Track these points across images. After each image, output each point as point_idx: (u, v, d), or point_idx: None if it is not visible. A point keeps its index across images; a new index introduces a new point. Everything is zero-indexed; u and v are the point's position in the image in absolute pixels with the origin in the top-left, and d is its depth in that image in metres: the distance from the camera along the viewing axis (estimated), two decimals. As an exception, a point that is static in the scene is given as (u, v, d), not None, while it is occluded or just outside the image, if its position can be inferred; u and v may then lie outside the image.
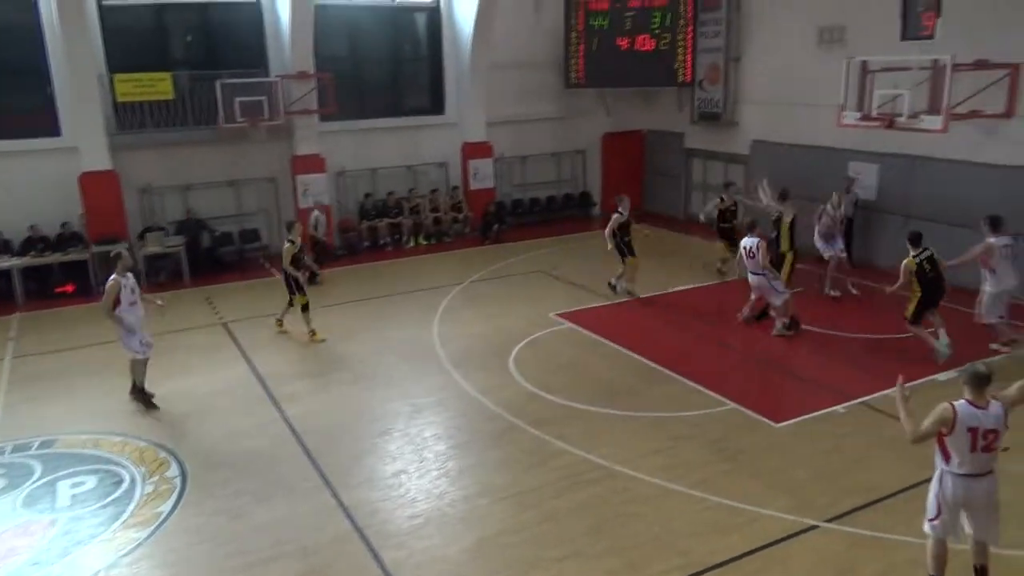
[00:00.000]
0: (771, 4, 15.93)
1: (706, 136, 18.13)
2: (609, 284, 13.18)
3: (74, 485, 7.59)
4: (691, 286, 13.56)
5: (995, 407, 5.16)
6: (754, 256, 10.81)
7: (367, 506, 7.07)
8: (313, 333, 11.38)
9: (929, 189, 13.15)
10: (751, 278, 11.03)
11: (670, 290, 13.38)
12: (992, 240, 9.62)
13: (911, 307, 9.66)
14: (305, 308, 11.37)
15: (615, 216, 12.75)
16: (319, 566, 6.29)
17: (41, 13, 13.99)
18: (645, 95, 19.41)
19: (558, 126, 19.38)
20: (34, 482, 7.67)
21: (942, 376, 9.20)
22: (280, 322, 11.82)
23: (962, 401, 5.18)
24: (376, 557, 6.35)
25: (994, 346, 9.97)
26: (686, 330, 11.51)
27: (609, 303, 12.79)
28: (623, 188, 19.78)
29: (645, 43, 17.73)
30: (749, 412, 8.65)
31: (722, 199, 14.09)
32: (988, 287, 9.80)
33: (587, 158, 19.97)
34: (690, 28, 17.21)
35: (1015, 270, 9.71)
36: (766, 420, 8.45)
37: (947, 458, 5.27)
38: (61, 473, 7.82)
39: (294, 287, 11.36)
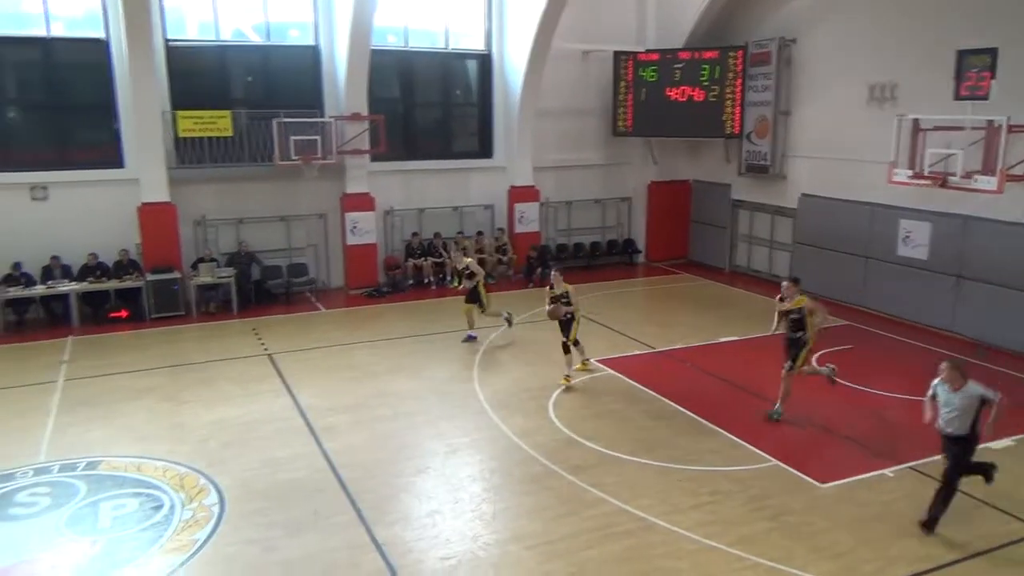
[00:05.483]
0: (822, 60, 15.96)
1: (753, 188, 18.07)
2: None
3: (116, 507, 7.72)
4: (736, 338, 13.37)
5: None
6: None
7: (401, 545, 7.04)
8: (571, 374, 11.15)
9: (983, 250, 12.88)
10: None
11: (714, 341, 13.22)
12: None
13: None
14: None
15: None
16: (350, 603, 6.27)
17: (112, 52, 14.72)
18: (692, 146, 19.49)
19: (604, 173, 19.52)
20: (78, 502, 7.82)
21: (996, 444, 8.89)
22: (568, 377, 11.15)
23: None
24: (407, 598, 6.31)
25: None
26: (729, 383, 11.33)
27: (651, 351, 12.69)
28: (669, 236, 19.89)
29: (694, 95, 17.86)
30: (793, 471, 8.44)
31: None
32: None
33: (632, 206, 20.02)
34: (739, 81, 17.30)
35: None
36: (810, 480, 8.23)
37: None
38: (104, 495, 7.97)
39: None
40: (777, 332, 9.89)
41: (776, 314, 9.77)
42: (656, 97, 18.14)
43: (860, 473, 8.38)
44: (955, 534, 7.04)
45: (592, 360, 11.91)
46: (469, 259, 13.48)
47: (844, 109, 15.39)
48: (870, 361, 12.18)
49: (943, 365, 7.13)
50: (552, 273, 11.56)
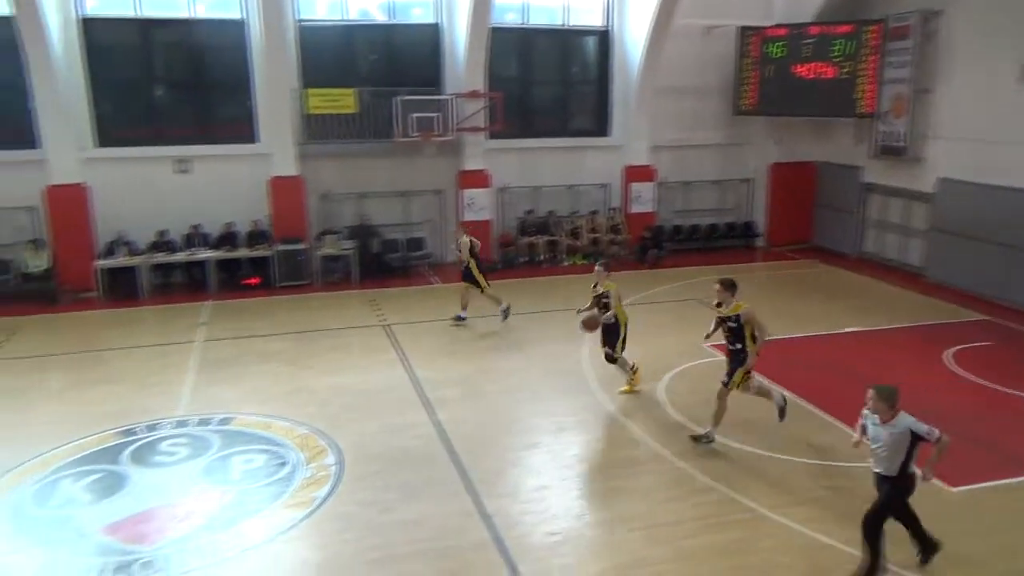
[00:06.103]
0: (968, 35, 14.77)
1: (886, 171, 17.03)
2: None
3: (245, 461, 8.28)
4: (861, 328, 12.73)
5: None
6: None
7: (508, 517, 7.19)
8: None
9: None
10: None
11: (837, 331, 12.64)
12: None
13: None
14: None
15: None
16: (455, 570, 6.46)
17: (249, 33, 15.51)
18: (818, 125, 18.55)
19: (724, 153, 18.93)
20: (212, 454, 8.44)
21: None
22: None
23: None
24: (513, 569, 6.44)
25: None
26: (851, 375, 10.80)
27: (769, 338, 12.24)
28: (791, 220, 19.12)
29: (824, 72, 16.98)
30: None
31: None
32: None
33: (753, 187, 19.34)
34: (875, 57, 16.28)
35: None
36: (939, 483, 7.75)
37: None
38: (235, 449, 8.55)
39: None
40: (711, 340, 8.92)
41: (714, 320, 8.69)
42: (783, 74, 17.37)
43: (997, 479, 7.84)
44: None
45: (637, 373, 10.26)
46: (464, 239, 12.97)
47: (992, 87, 14.23)
48: (1010, 360, 11.32)
49: (870, 392, 6.16)
50: (596, 267, 10.06)
